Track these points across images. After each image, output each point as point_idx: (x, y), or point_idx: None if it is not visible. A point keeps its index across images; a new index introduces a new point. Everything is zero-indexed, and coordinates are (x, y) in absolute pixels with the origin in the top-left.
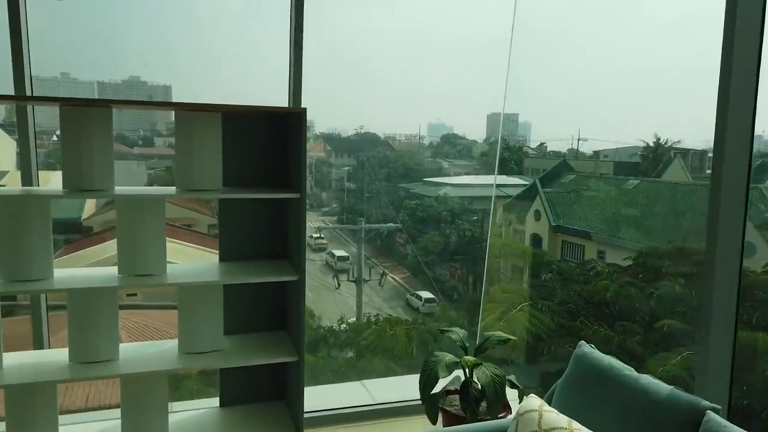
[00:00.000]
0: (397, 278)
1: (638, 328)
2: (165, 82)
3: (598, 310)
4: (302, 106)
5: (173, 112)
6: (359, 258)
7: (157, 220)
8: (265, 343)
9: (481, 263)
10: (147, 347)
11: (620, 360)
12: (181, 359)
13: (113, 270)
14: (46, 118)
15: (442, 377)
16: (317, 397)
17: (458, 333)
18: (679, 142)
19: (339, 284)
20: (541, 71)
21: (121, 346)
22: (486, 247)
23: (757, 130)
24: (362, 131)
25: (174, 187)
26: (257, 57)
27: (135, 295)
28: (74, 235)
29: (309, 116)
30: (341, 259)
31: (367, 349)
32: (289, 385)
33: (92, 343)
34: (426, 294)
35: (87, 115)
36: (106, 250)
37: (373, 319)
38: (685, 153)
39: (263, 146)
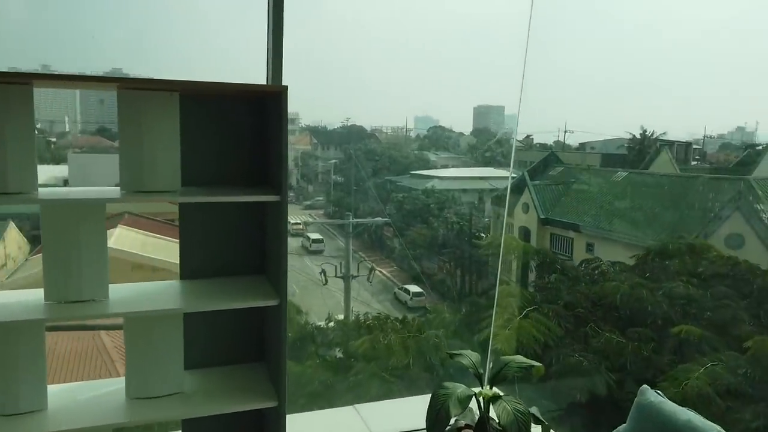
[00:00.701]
0: (384, 272)
1: (652, 334)
2: (147, 74)
3: (608, 314)
4: (291, 100)
5: (116, 92)
6: (347, 254)
7: (95, 231)
8: (238, 382)
9: (470, 256)
10: (84, 390)
11: (639, 372)
12: (129, 408)
13: (39, 295)
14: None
15: (455, 415)
16: (303, 427)
17: (470, 358)
18: (664, 133)
19: (326, 280)
20: (529, 63)
21: (52, 389)
22: (481, 241)
23: (739, 122)
24: (348, 123)
25: (118, 188)
26: (242, 46)
27: None
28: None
29: (294, 108)
30: (316, 241)
31: (361, 358)
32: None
33: (11, 392)
34: (414, 288)
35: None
36: None
37: (362, 318)
38: (670, 145)
39: (235, 135)
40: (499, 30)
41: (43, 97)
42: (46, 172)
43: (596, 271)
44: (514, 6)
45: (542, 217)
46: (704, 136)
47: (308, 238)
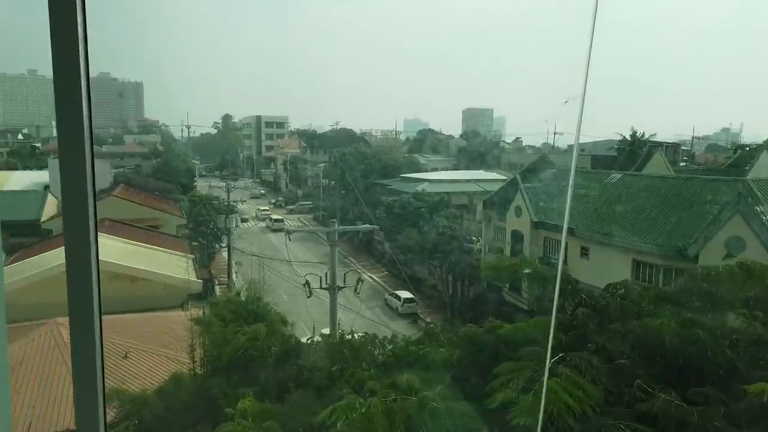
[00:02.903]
0: (374, 277)
1: (720, 395)
2: (136, 79)
3: (655, 364)
4: (279, 103)
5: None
6: (332, 264)
7: None
8: None
9: (462, 262)
10: None
11: None
12: None
13: None
14: (11, 116)
15: None
16: None
17: None
18: (654, 135)
19: (310, 293)
20: (514, 66)
21: None
22: (476, 245)
23: (724, 123)
24: (338, 127)
25: None
26: (229, 53)
27: None
28: (31, 238)
29: (283, 112)
30: (277, 221)
31: None
32: None
33: None
34: (405, 294)
35: None
36: (61, 256)
37: (348, 336)
38: (659, 146)
39: None
40: (487, 34)
41: (30, 100)
42: (27, 178)
43: (626, 300)
44: (500, 10)
45: (535, 220)
46: (692, 137)
47: (271, 219)
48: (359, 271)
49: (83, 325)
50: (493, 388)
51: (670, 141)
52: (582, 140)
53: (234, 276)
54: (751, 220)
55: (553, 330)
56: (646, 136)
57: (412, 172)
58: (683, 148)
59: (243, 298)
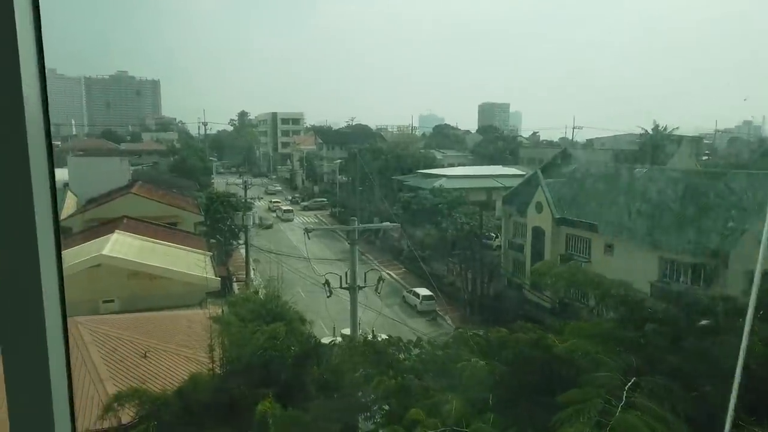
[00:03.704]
0: (392, 274)
1: None
2: (153, 77)
3: (749, 394)
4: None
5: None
6: (352, 263)
7: None
8: None
9: (482, 259)
10: None
11: None
12: None
13: None
14: None
15: None
16: None
17: None
18: (677, 128)
19: (330, 293)
20: (530, 59)
21: None
22: (495, 242)
23: (746, 116)
24: (354, 123)
25: None
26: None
27: (112, 301)
28: None
29: (299, 108)
30: (287, 212)
31: None
32: None
33: None
34: (423, 291)
35: None
36: (80, 254)
37: (369, 337)
38: (679, 140)
39: None
40: (503, 28)
41: (50, 100)
42: None
43: (704, 314)
44: (519, 5)
45: (557, 216)
46: (715, 131)
47: (281, 210)
48: (377, 269)
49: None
50: (560, 420)
51: (690, 135)
52: (601, 135)
53: (252, 273)
54: None
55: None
56: (669, 130)
57: (428, 168)
58: (705, 141)
59: (261, 297)
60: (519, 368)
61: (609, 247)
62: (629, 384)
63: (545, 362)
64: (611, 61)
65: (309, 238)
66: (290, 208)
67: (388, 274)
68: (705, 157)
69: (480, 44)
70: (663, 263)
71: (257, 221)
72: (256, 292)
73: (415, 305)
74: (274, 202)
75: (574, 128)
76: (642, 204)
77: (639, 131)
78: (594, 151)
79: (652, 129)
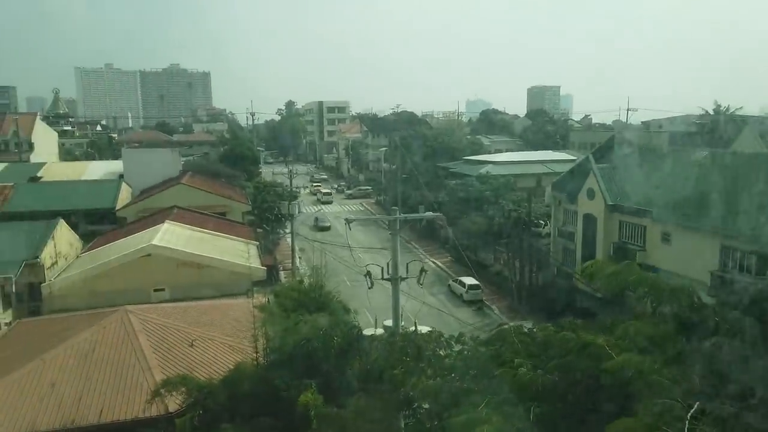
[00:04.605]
0: (438, 263)
1: None
2: (204, 69)
3: None
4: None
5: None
6: (394, 254)
7: None
8: None
9: (530, 247)
10: None
11: None
12: None
13: None
14: (91, 108)
15: None
16: None
17: None
18: (741, 108)
19: (372, 284)
20: (582, 40)
21: None
22: (545, 229)
23: None
24: (399, 110)
25: None
26: (299, 42)
27: (163, 290)
28: (107, 226)
29: (344, 97)
30: (326, 194)
31: None
32: None
33: None
34: (470, 280)
35: None
36: (132, 244)
37: (412, 329)
38: (744, 120)
39: None
40: (554, 7)
41: (108, 93)
42: (103, 168)
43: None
44: None
45: (610, 203)
46: None
47: (321, 192)
48: (422, 257)
49: None
50: None
51: (756, 115)
52: (657, 117)
53: (298, 261)
54: None
55: None
56: (732, 110)
57: (475, 154)
58: None
59: (306, 286)
60: (563, 379)
61: (666, 235)
62: (692, 411)
63: (593, 376)
64: (670, 36)
65: (350, 229)
66: (329, 190)
67: (434, 262)
68: None
69: (528, 24)
70: (724, 252)
71: (314, 223)
72: (301, 282)
73: (461, 294)
74: (315, 185)
75: (628, 110)
76: (702, 189)
77: (699, 112)
78: (650, 133)
79: (713, 109)
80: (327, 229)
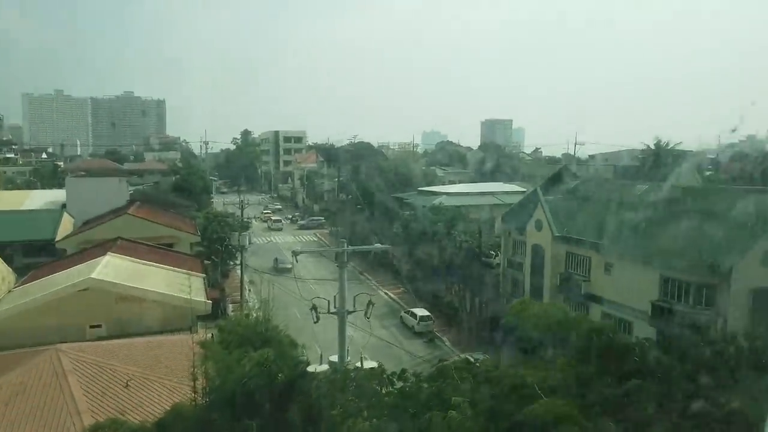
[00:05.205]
0: (390, 294)
1: None
2: (159, 96)
3: None
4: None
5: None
6: (341, 287)
7: None
8: None
9: (481, 277)
10: None
11: None
12: None
13: None
14: (39, 135)
15: None
16: None
17: None
18: (680, 143)
19: (318, 318)
20: (534, 76)
21: None
22: (495, 260)
23: (750, 130)
24: (356, 140)
25: None
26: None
27: (100, 326)
28: (45, 258)
29: (301, 127)
30: (276, 221)
31: None
32: None
33: None
34: (421, 311)
35: None
36: (70, 277)
37: (358, 364)
38: (682, 155)
39: None
40: (505, 43)
41: (57, 121)
42: (45, 197)
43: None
44: (519, 18)
45: (557, 234)
46: (719, 145)
47: (271, 220)
48: (375, 288)
49: None
50: None
51: (693, 149)
52: (604, 150)
53: (247, 294)
54: None
55: None
56: (671, 145)
57: (429, 185)
58: (708, 156)
59: (252, 320)
60: (493, 423)
61: (609, 266)
62: None
63: (518, 423)
64: (617, 75)
65: (296, 261)
66: (279, 218)
67: (386, 293)
68: (708, 173)
69: (484, 60)
70: (664, 282)
71: (274, 264)
72: (248, 316)
73: (413, 326)
74: (265, 212)
75: (576, 144)
76: (642, 221)
77: (641, 146)
78: (596, 166)
79: (655, 144)
80: (288, 271)
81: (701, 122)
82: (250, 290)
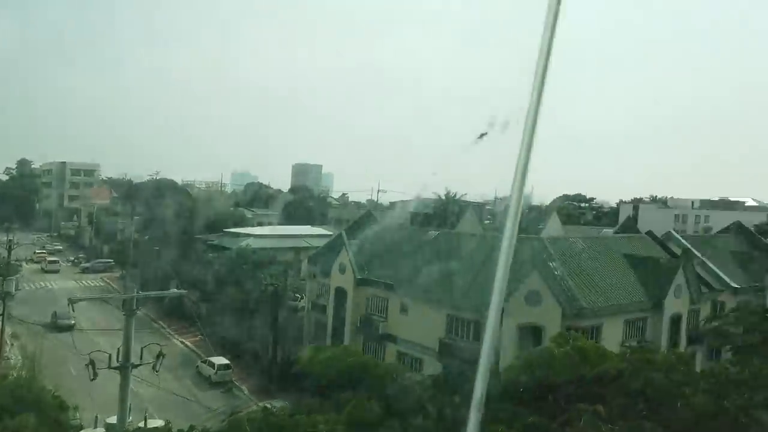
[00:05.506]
0: (187, 342)
1: None
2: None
3: None
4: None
5: None
6: (126, 338)
7: None
8: None
9: (285, 321)
10: None
11: None
12: None
13: None
14: None
15: None
16: None
17: None
18: (465, 194)
19: (95, 374)
20: (343, 123)
21: None
22: (300, 303)
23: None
24: (157, 177)
25: None
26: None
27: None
28: None
29: (93, 159)
30: (52, 262)
31: None
32: None
33: None
34: (219, 360)
35: None
36: None
37: (141, 424)
38: (466, 205)
39: None
40: (317, 89)
41: None
42: None
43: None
44: (332, 65)
45: (359, 277)
46: (495, 198)
47: (46, 261)
48: (168, 337)
49: None
50: None
51: (477, 201)
52: (405, 198)
53: (8, 350)
54: (546, 275)
55: None
56: (459, 196)
57: (237, 227)
58: (487, 207)
59: (11, 382)
60: None
61: (404, 307)
62: None
63: None
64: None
65: (73, 310)
66: (56, 259)
67: (182, 342)
68: (487, 221)
69: (295, 106)
70: (450, 321)
71: (53, 318)
72: (6, 377)
73: (210, 376)
74: (38, 253)
75: (379, 191)
76: (431, 264)
77: (434, 196)
78: (395, 213)
79: (444, 195)
80: (70, 328)
81: (482, 177)
82: (12, 345)
